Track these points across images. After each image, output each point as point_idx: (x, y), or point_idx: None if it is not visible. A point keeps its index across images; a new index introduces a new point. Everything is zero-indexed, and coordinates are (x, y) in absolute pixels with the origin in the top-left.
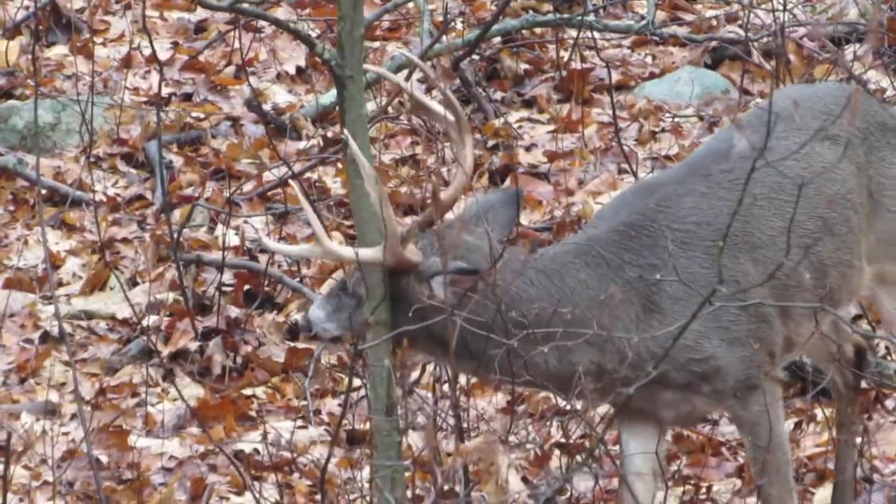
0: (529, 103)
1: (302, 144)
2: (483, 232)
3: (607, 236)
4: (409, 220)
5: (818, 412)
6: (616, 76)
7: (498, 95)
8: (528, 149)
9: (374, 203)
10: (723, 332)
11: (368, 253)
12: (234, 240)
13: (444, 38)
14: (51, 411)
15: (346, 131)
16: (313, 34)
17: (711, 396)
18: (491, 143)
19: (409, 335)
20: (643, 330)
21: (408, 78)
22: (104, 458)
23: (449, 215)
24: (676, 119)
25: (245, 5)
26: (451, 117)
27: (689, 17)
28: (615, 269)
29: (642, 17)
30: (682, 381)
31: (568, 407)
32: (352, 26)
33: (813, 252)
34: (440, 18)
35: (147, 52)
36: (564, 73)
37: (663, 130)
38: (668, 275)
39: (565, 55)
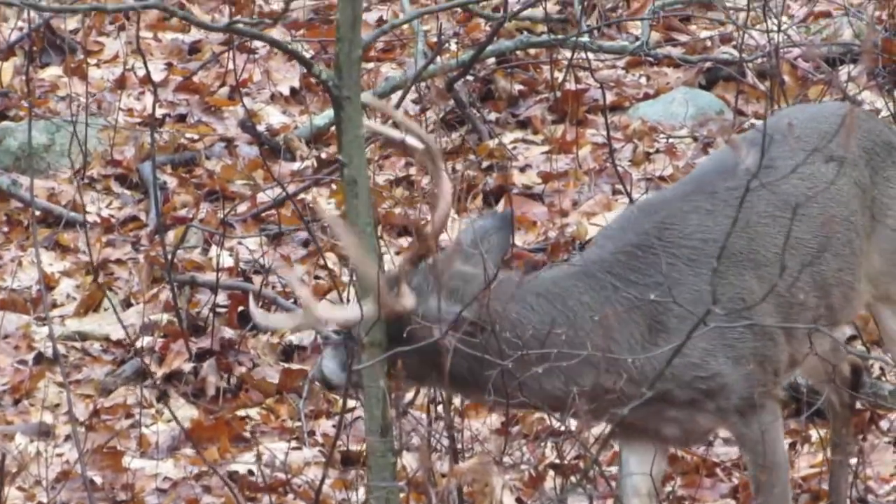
0: (524, 124)
1: (296, 165)
2: (478, 258)
3: (613, 258)
4: (400, 252)
5: (813, 433)
6: (610, 97)
7: (492, 116)
8: (522, 169)
9: (357, 264)
10: (728, 349)
11: (358, 312)
12: (228, 261)
13: (438, 58)
14: (45, 432)
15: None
16: (307, 55)
17: (715, 414)
18: (485, 163)
19: (404, 360)
20: (648, 350)
21: (401, 100)
22: (98, 480)
23: (442, 242)
24: (671, 140)
25: (240, 26)
26: (419, 145)
27: (683, 38)
28: (619, 291)
29: (637, 38)
30: (687, 399)
31: (562, 428)
32: (350, 48)
33: (816, 271)
34: (434, 39)
35: (141, 73)
36: (559, 93)
37: (658, 151)
38: (665, 294)
39: (560, 76)
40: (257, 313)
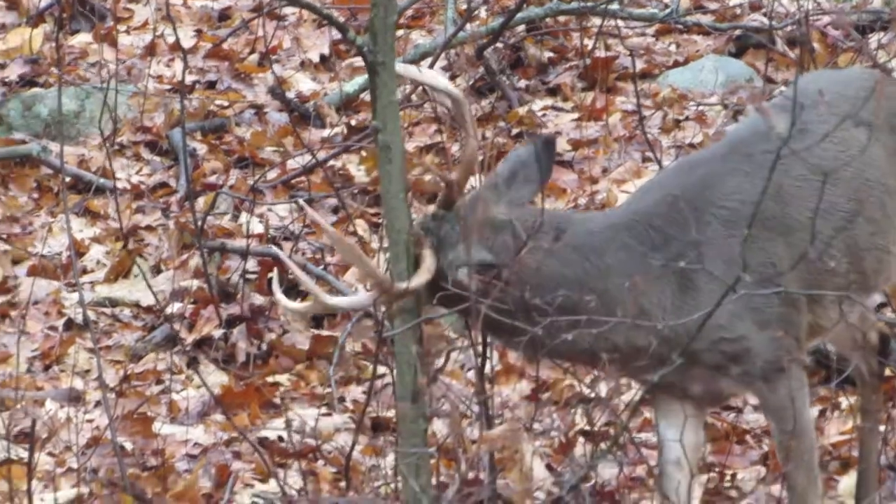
0: (553, 91)
1: (326, 132)
2: (514, 194)
3: (653, 209)
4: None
5: (842, 400)
6: (640, 64)
7: (522, 83)
8: None
9: (348, 257)
10: (754, 313)
11: (363, 299)
12: (258, 227)
13: (468, 26)
14: (75, 398)
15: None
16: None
17: (740, 379)
18: (515, 131)
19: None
20: (678, 307)
21: (431, 66)
22: (128, 445)
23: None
24: (700, 107)
25: None
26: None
27: (713, 6)
28: (657, 247)
29: (666, 6)
30: (713, 362)
31: (592, 394)
32: (385, 13)
33: (849, 236)
34: (464, 6)
35: (171, 39)
36: (588, 61)
37: (687, 119)
38: (699, 252)
39: (589, 43)
40: (280, 298)
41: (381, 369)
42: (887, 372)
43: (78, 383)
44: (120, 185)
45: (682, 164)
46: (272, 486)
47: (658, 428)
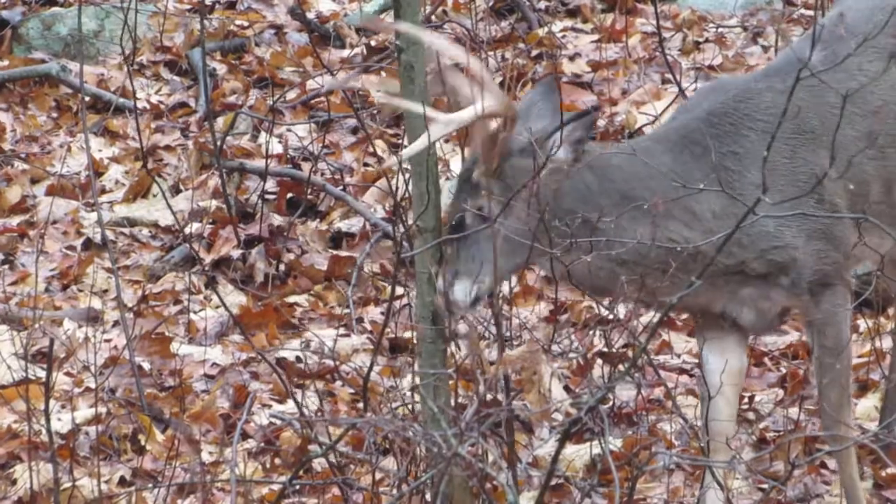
0: (573, 13)
1: (346, 53)
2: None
3: (692, 124)
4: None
5: (861, 323)
6: None
7: (542, 5)
8: (571, 58)
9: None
10: (801, 221)
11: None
12: (277, 147)
13: None
14: (93, 318)
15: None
16: None
17: (789, 290)
18: (535, 52)
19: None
20: (727, 213)
21: None
22: (146, 365)
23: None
24: (720, 29)
25: None
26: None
27: None
28: (698, 156)
29: None
30: (763, 271)
31: (611, 316)
32: None
33: (881, 165)
34: None
35: None
36: None
37: (707, 41)
38: (740, 163)
39: None
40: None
41: (400, 290)
42: None
43: (96, 303)
44: (139, 104)
45: (716, 84)
46: (290, 406)
47: (700, 354)
